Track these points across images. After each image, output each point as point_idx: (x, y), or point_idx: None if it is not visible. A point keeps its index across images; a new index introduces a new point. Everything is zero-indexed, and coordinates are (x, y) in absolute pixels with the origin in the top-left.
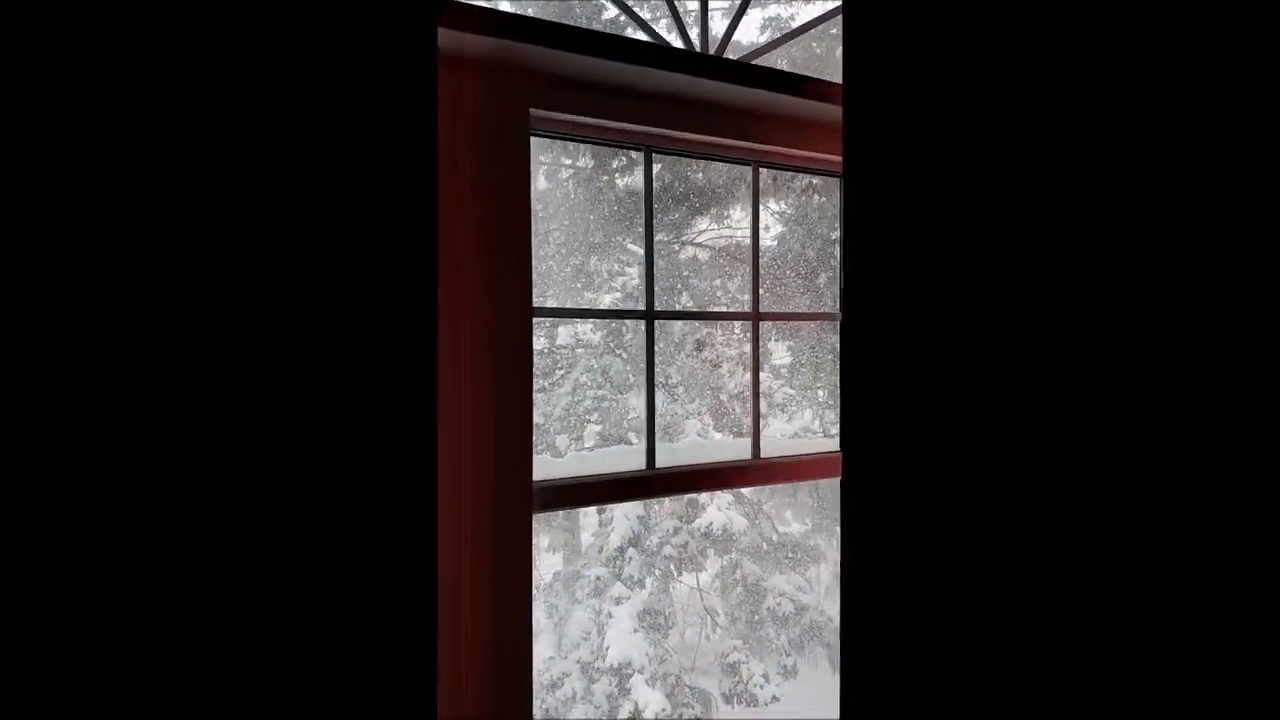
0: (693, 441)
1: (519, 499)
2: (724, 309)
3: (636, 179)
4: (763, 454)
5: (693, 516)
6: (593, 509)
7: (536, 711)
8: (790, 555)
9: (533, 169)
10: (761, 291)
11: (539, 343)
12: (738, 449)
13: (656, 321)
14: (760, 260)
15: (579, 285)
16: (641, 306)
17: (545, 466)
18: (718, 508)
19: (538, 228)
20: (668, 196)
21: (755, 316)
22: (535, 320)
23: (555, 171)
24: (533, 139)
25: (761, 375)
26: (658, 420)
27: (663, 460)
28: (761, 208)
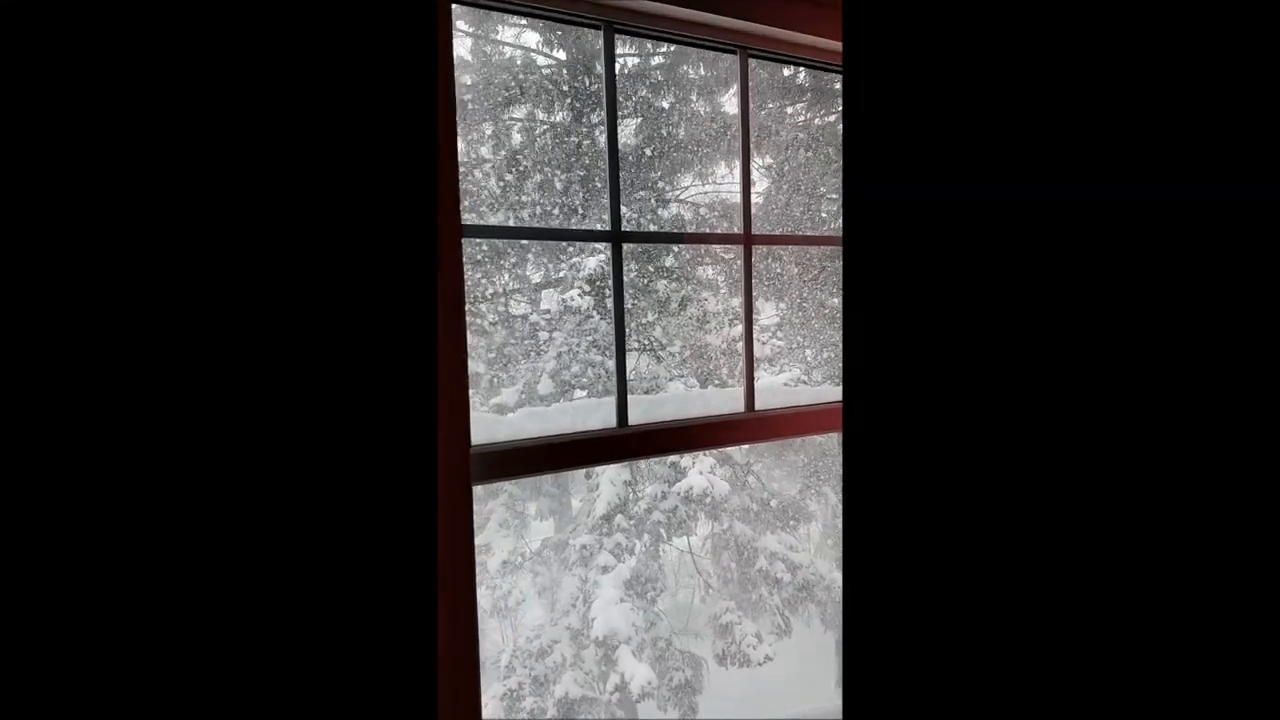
0: (675, 393)
1: (453, 467)
2: (711, 268)
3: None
4: (757, 406)
5: (675, 479)
6: (580, 472)
7: (525, 678)
8: (780, 515)
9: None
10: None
11: (520, 308)
12: (728, 401)
13: (635, 271)
14: (750, 214)
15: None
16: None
17: (489, 428)
18: (699, 471)
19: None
20: (649, 153)
21: (746, 239)
22: (515, 289)
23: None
24: (456, 6)
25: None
26: (639, 383)
27: (639, 416)
28: (752, 162)
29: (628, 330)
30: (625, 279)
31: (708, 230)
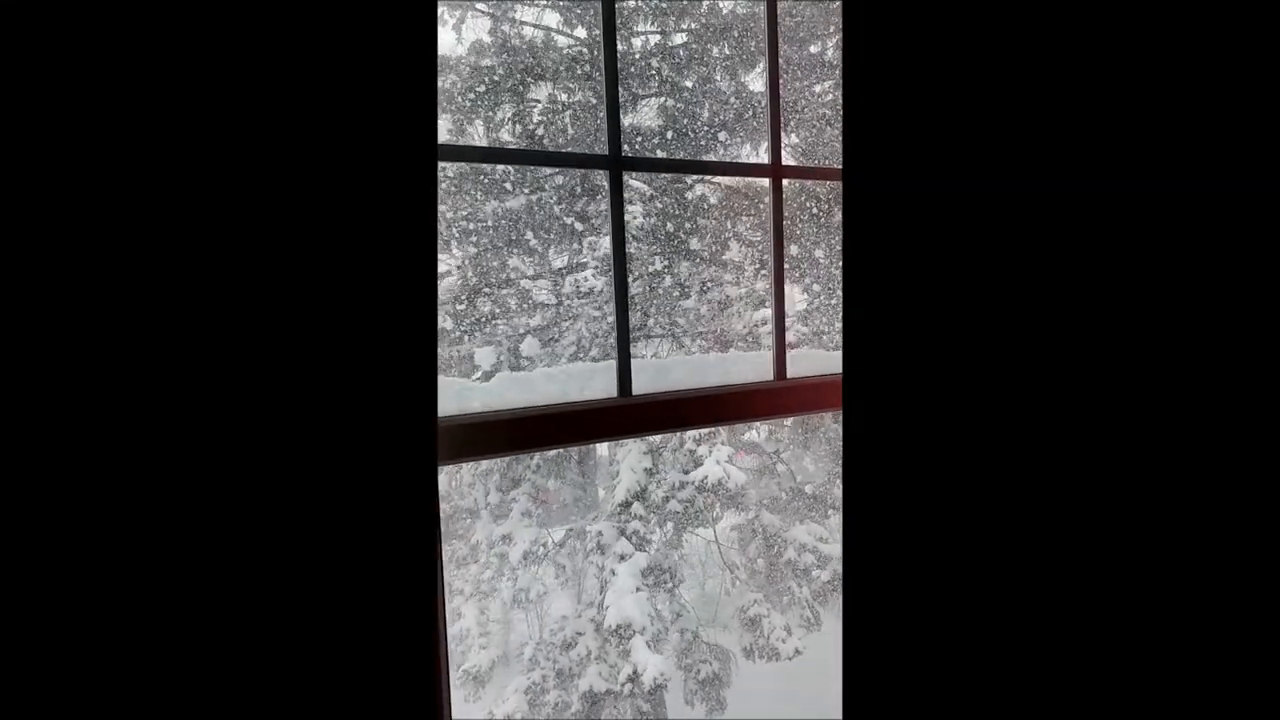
0: (688, 359)
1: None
2: (735, 252)
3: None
4: (789, 374)
5: (690, 467)
6: (605, 459)
7: (548, 669)
8: (810, 505)
9: None
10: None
11: (542, 295)
12: (754, 367)
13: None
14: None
15: (572, 221)
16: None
17: (461, 397)
18: (715, 460)
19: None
20: (671, 135)
21: (775, 171)
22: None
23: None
24: None
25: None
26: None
27: (648, 384)
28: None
29: (647, 313)
30: (651, 268)
31: (730, 218)
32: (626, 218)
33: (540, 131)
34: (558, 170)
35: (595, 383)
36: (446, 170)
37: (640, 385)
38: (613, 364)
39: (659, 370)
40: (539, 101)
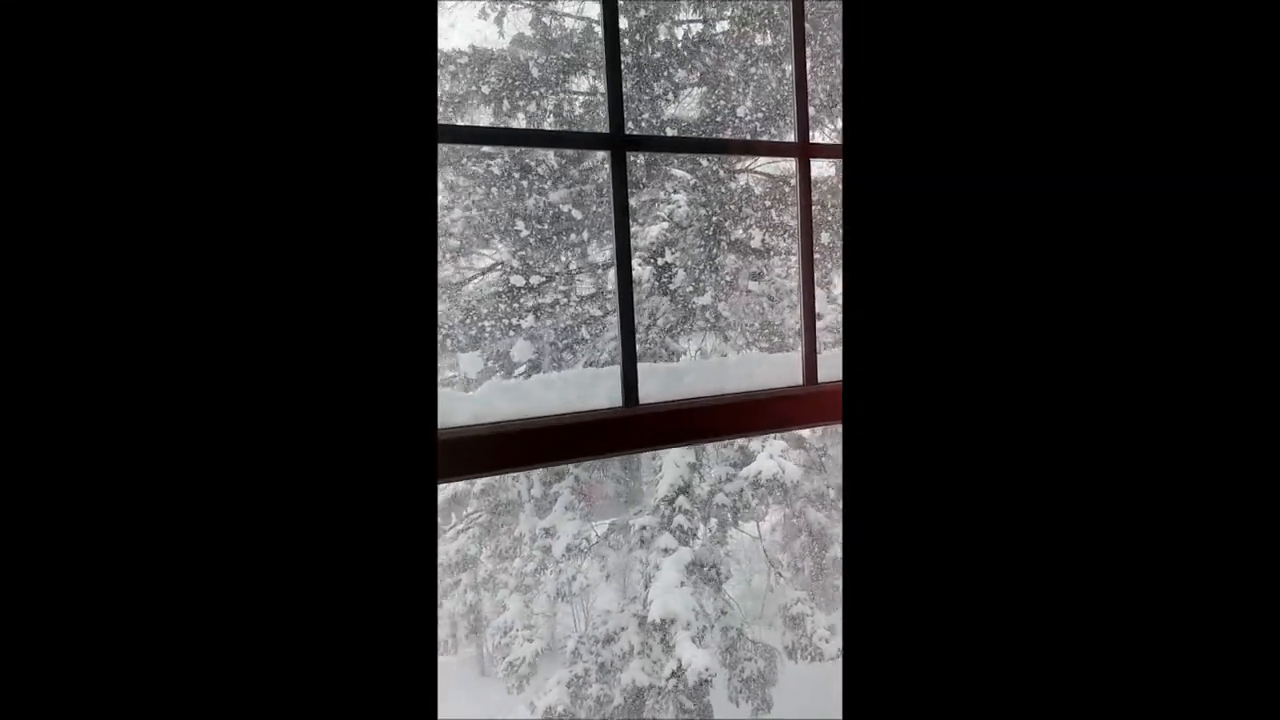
0: (708, 363)
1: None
2: (780, 242)
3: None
4: (821, 377)
5: (742, 463)
6: (648, 455)
7: (590, 663)
8: None
9: None
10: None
11: (585, 287)
12: (780, 370)
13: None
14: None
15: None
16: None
17: (450, 409)
18: (769, 455)
19: None
20: (718, 121)
21: (802, 151)
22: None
23: None
24: None
25: (823, 309)
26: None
27: (656, 390)
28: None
29: (692, 306)
30: (693, 259)
31: (777, 208)
32: (669, 208)
33: (585, 121)
34: (603, 162)
35: (598, 390)
36: (492, 167)
37: (649, 392)
38: (617, 369)
39: (671, 376)
40: (580, 93)
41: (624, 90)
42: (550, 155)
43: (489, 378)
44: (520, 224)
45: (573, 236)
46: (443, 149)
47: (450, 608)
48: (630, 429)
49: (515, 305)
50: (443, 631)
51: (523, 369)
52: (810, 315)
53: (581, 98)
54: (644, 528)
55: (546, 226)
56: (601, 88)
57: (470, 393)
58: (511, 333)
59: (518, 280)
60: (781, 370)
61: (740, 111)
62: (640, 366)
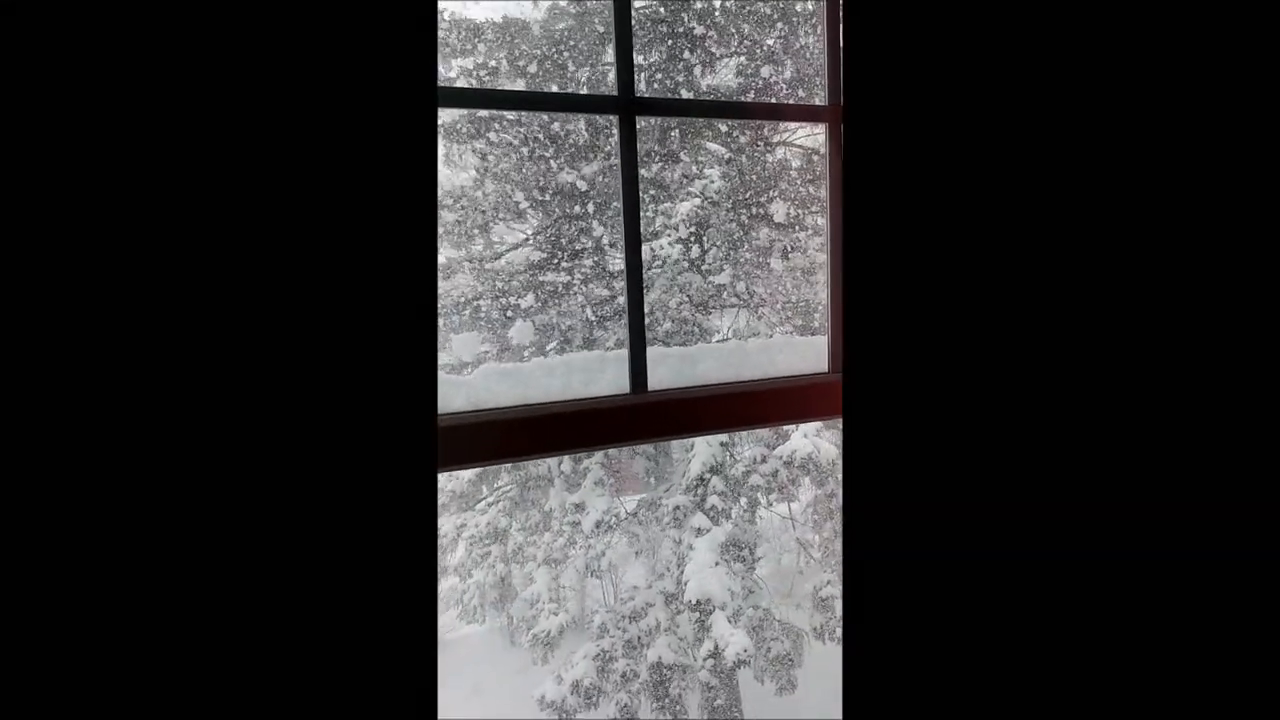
0: (725, 346)
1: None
2: (815, 219)
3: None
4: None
5: (776, 443)
6: None
7: (618, 640)
8: None
9: None
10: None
11: (615, 263)
12: (805, 355)
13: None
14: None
15: (649, 192)
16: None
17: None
18: (803, 434)
19: None
20: (751, 96)
21: (834, 114)
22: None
23: None
24: None
25: None
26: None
27: (668, 376)
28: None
29: (724, 283)
30: (727, 232)
31: (813, 182)
32: (704, 183)
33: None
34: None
35: (603, 376)
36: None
37: (659, 379)
38: (624, 354)
39: (684, 361)
40: (612, 65)
41: (657, 60)
42: (581, 125)
43: (524, 356)
44: (547, 197)
45: (608, 209)
46: (471, 122)
47: (480, 578)
48: (637, 418)
49: (536, 279)
50: (472, 601)
51: (554, 345)
52: (839, 296)
53: (614, 69)
54: (677, 507)
55: (573, 200)
56: (638, 59)
57: (463, 376)
58: (536, 310)
59: (536, 256)
60: (807, 355)
61: (778, 81)
62: (650, 351)
